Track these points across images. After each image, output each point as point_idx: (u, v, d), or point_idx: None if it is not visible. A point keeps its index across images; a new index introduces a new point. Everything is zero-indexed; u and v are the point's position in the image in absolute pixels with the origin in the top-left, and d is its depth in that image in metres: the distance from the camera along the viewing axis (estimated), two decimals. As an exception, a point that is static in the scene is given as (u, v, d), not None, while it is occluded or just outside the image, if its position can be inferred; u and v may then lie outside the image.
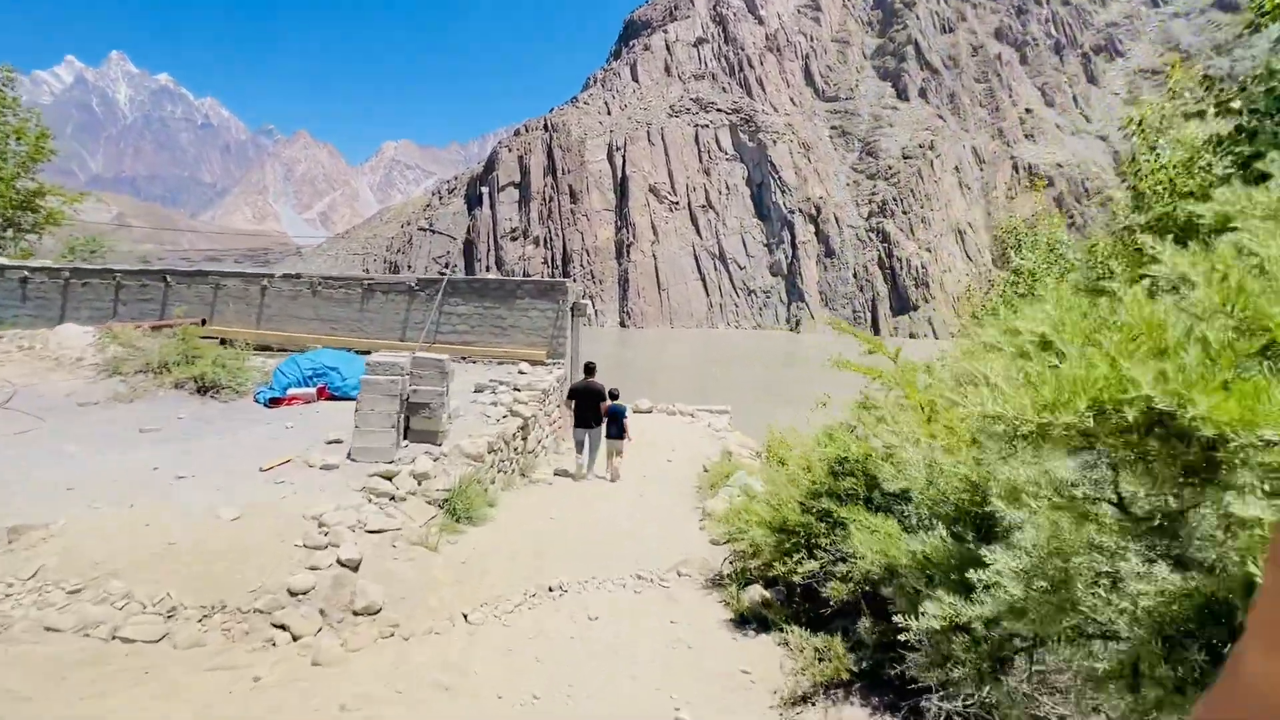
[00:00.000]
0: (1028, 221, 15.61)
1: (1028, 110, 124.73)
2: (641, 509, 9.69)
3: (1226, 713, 0.48)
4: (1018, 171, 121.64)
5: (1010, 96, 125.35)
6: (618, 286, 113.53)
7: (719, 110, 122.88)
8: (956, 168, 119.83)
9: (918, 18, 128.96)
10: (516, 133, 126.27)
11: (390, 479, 7.40)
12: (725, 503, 9.03)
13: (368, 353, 15.66)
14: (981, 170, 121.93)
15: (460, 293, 15.65)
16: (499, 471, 9.80)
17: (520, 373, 14.70)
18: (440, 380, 8.39)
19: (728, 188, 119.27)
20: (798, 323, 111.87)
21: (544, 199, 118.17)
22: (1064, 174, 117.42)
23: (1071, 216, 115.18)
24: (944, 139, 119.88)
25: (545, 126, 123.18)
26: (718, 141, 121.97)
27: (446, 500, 7.42)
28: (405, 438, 8.51)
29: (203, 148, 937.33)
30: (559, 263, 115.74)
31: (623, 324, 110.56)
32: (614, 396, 11.77)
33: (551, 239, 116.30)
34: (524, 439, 11.29)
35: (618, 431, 11.47)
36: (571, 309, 16.70)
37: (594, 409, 11.20)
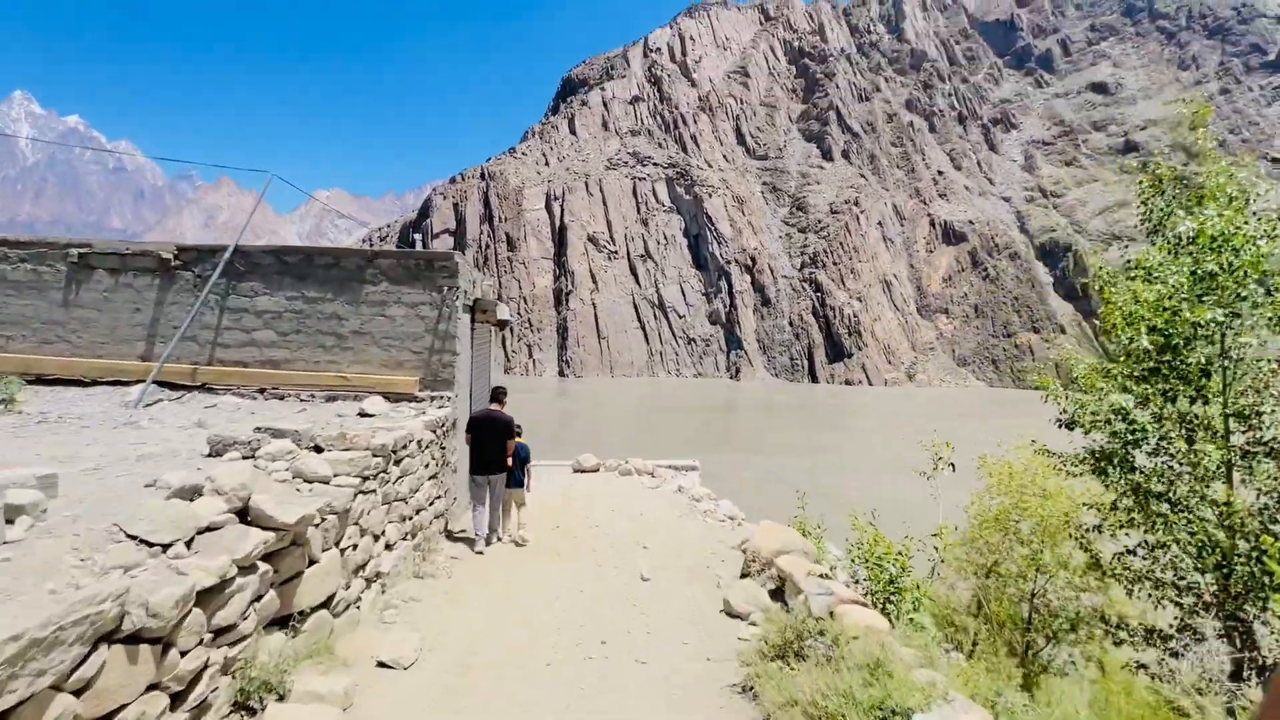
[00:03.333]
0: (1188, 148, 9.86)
1: (939, 172, 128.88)
2: None
3: None
4: (934, 227, 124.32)
5: (924, 160, 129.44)
6: (556, 335, 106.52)
7: (655, 164, 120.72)
8: (880, 223, 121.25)
9: (837, 86, 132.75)
10: (452, 180, 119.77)
11: None
12: None
13: (61, 381, 7.83)
14: (902, 226, 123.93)
15: (261, 273, 8.37)
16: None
17: (362, 415, 7.46)
18: None
19: (666, 238, 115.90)
20: (737, 370, 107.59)
21: (480, 246, 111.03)
22: (975, 230, 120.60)
23: (985, 269, 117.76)
24: (867, 196, 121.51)
25: (482, 175, 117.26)
26: (655, 194, 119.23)
27: None
28: None
29: (114, 192, 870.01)
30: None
31: (561, 373, 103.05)
32: (516, 433, 8.57)
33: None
34: (254, 616, 4.05)
35: (519, 480, 8.40)
36: (472, 308, 9.70)
37: (497, 447, 8.04)
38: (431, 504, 7.44)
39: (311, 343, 8.42)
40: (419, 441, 6.93)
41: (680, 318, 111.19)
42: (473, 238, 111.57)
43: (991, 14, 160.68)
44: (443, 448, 8.01)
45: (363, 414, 7.55)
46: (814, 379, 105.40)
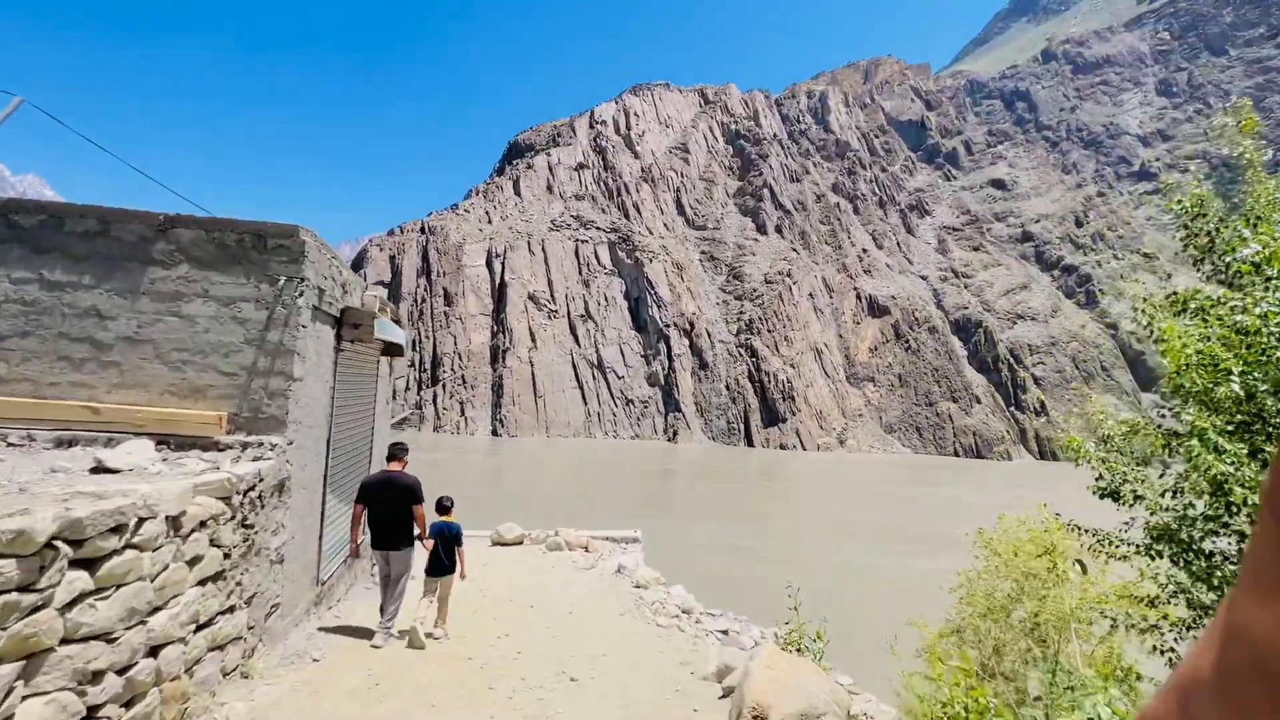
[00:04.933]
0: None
1: (864, 250, 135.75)
2: None
3: (1217, 661, 0.43)
4: (860, 300, 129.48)
5: (849, 238, 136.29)
6: (491, 393, 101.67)
7: (598, 229, 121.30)
8: (811, 294, 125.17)
9: (770, 167, 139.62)
10: (390, 232, 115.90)
11: None
12: None
13: None
14: (831, 298, 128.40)
15: (-27, 241, 5.21)
16: None
17: (100, 469, 4.28)
18: None
19: (607, 300, 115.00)
20: (675, 433, 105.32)
21: (416, 300, 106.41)
22: (897, 304, 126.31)
23: (907, 341, 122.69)
24: (799, 269, 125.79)
25: (422, 229, 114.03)
26: (597, 257, 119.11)
27: None
28: None
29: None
30: (428, 365, 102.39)
31: (495, 432, 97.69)
32: (444, 510, 6.90)
33: (421, 340, 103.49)
34: None
35: (445, 565, 6.57)
36: (339, 319, 6.78)
37: (399, 516, 6.28)
38: (201, 628, 4.24)
39: (49, 352, 5.21)
40: (174, 519, 3.82)
41: (619, 379, 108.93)
42: (408, 291, 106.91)
43: (905, 115, 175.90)
44: (248, 526, 4.86)
45: (101, 468, 4.38)
46: (750, 443, 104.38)
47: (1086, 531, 7.86)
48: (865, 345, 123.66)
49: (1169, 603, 7.09)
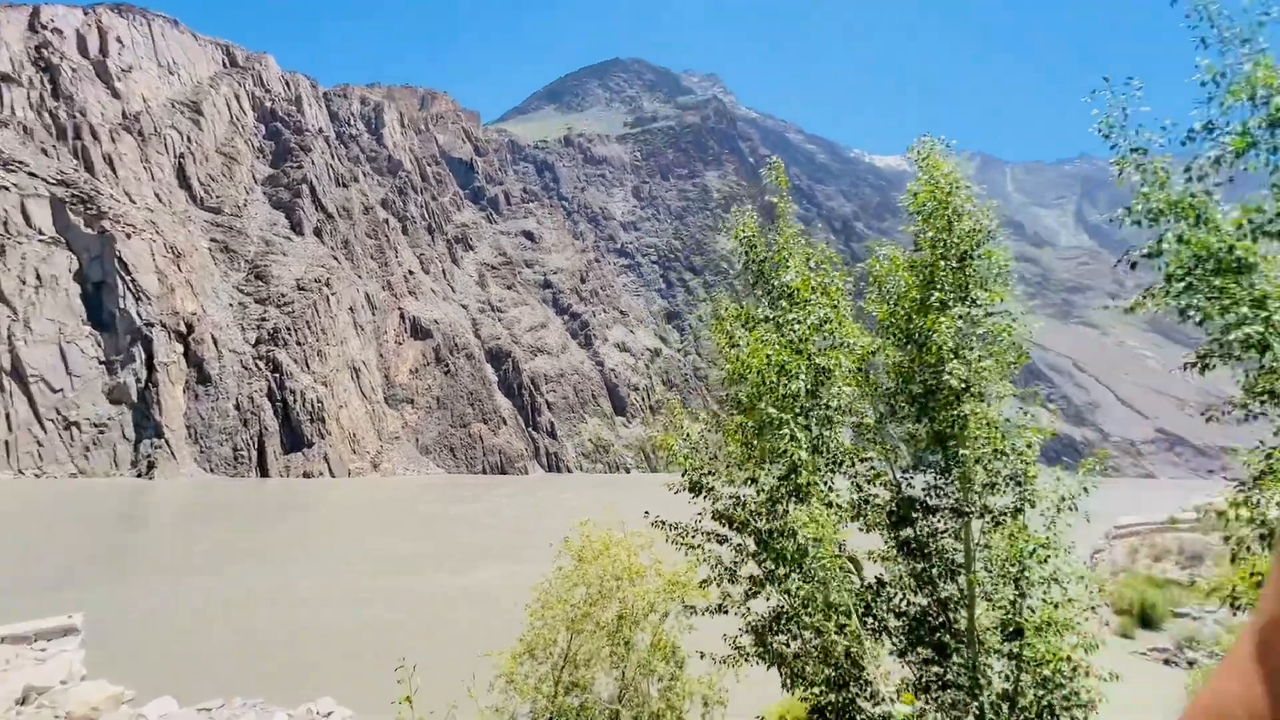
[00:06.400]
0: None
1: (410, 271, 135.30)
2: None
3: (1244, 683, 0.43)
4: (404, 321, 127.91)
5: (397, 257, 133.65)
6: None
7: (34, 175, 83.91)
8: (351, 308, 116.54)
9: (314, 163, 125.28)
10: None
11: None
12: None
13: None
14: (374, 315, 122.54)
15: None
16: None
17: None
18: None
19: (40, 278, 79.98)
20: (151, 465, 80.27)
21: None
22: (440, 329, 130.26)
23: (446, 365, 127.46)
24: (339, 279, 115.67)
25: None
26: (27, 215, 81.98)
27: None
28: None
29: None
30: None
31: None
32: None
33: None
34: None
35: None
36: None
37: None
38: None
39: None
40: None
41: (55, 392, 76.49)
42: None
43: (456, 153, 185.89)
44: None
45: None
46: (264, 473, 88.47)
47: (668, 525, 8.52)
48: (406, 367, 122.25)
49: (718, 584, 8.11)
